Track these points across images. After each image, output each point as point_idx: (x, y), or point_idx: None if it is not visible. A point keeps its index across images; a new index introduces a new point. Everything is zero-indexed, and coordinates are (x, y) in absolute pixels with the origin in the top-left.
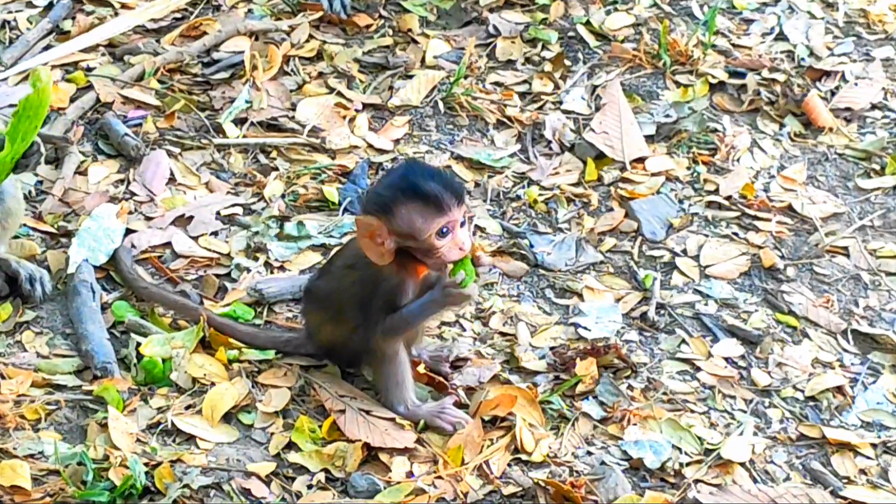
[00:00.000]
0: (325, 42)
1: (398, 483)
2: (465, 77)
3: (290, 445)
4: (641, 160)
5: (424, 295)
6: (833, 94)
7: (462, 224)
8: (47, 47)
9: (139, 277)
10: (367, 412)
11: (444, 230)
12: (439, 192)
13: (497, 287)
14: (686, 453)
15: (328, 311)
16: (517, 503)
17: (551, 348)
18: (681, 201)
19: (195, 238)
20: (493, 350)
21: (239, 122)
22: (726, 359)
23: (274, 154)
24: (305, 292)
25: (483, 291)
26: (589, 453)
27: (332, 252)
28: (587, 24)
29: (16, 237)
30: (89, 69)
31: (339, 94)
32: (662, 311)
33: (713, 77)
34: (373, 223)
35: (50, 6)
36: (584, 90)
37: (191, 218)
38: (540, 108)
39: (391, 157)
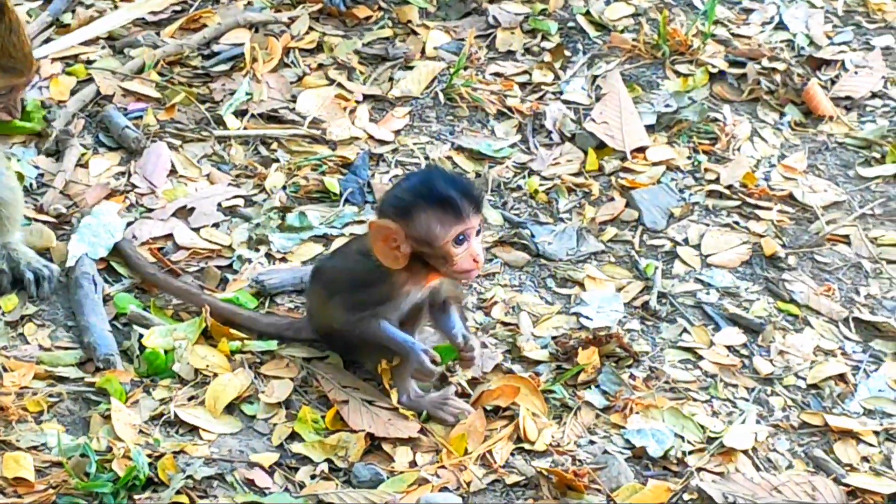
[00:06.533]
0: (324, 34)
1: (401, 473)
2: (465, 68)
3: (293, 436)
4: (642, 150)
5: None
6: (833, 82)
7: (478, 233)
8: (47, 40)
9: (147, 263)
10: (370, 402)
11: (461, 238)
12: (458, 199)
13: (499, 277)
14: (688, 442)
15: (330, 290)
16: (520, 492)
17: (553, 338)
18: (681, 191)
19: (196, 230)
20: (496, 340)
21: (239, 113)
22: (728, 347)
23: (275, 146)
24: (314, 271)
25: (484, 281)
26: (591, 442)
27: (352, 238)
28: (587, 14)
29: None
30: (89, 62)
31: (340, 85)
32: (664, 301)
33: (713, 67)
34: (390, 226)
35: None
36: (584, 80)
37: (192, 210)
38: (540, 98)
39: (392, 148)
